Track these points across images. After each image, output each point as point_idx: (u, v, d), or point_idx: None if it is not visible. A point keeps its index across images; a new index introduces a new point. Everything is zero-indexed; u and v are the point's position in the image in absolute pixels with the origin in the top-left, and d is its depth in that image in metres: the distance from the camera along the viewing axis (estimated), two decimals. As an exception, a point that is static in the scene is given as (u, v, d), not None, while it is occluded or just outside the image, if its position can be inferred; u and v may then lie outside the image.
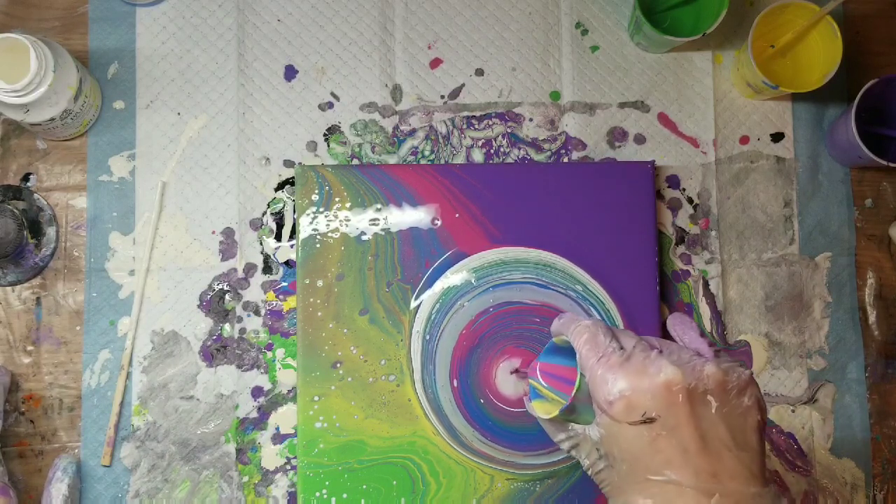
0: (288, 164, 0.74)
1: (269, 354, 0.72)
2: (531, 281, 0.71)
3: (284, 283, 0.73)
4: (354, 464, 0.69)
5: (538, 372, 0.59)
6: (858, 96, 0.71)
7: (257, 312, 0.73)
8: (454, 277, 0.71)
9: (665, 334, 0.60)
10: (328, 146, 0.75)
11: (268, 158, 0.74)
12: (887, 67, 0.79)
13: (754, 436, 0.49)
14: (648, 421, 0.48)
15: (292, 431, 0.71)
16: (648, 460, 0.48)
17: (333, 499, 0.68)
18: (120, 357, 0.72)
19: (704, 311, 0.75)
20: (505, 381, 0.70)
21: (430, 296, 0.70)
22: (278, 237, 0.74)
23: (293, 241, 0.73)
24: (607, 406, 0.50)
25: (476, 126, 0.76)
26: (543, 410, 0.56)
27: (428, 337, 0.70)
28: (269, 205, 0.74)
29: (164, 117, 0.74)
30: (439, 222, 0.71)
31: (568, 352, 0.56)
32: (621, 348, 0.52)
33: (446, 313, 0.70)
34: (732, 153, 0.77)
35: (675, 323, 0.57)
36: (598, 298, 0.71)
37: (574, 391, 0.53)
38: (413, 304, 0.70)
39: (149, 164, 0.74)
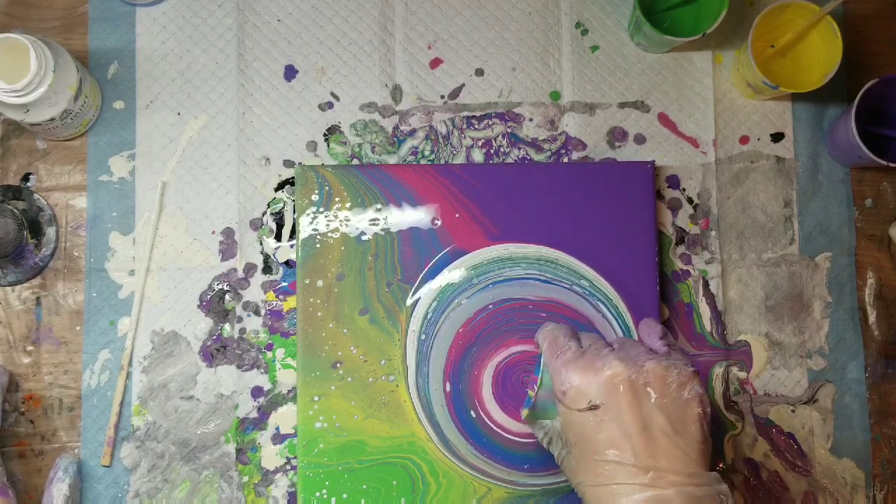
0: (288, 164, 0.74)
1: (269, 354, 0.72)
2: (534, 277, 0.71)
3: (284, 283, 0.73)
4: (354, 464, 0.69)
5: (534, 385, 0.63)
6: (858, 96, 0.71)
7: (257, 312, 0.73)
8: (452, 274, 0.71)
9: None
10: (328, 146, 0.75)
11: (268, 158, 0.74)
12: (887, 67, 0.79)
13: (694, 425, 0.54)
14: (594, 408, 0.54)
15: (292, 431, 0.71)
16: (595, 442, 0.54)
17: (333, 499, 0.68)
18: (120, 357, 0.72)
19: (704, 311, 0.75)
20: (489, 397, 0.70)
21: (427, 293, 0.70)
22: (278, 237, 0.74)
23: (293, 241, 0.73)
24: (561, 395, 0.56)
25: (476, 126, 0.76)
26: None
27: (423, 336, 0.70)
28: (269, 205, 0.74)
29: (164, 117, 0.74)
30: (439, 222, 0.71)
31: None
32: (579, 346, 0.58)
33: (443, 312, 0.70)
34: (732, 153, 0.77)
35: (642, 327, 0.64)
36: (605, 294, 0.71)
37: (537, 388, 0.59)
38: (410, 300, 0.70)
39: (149, 164, 0.74)
